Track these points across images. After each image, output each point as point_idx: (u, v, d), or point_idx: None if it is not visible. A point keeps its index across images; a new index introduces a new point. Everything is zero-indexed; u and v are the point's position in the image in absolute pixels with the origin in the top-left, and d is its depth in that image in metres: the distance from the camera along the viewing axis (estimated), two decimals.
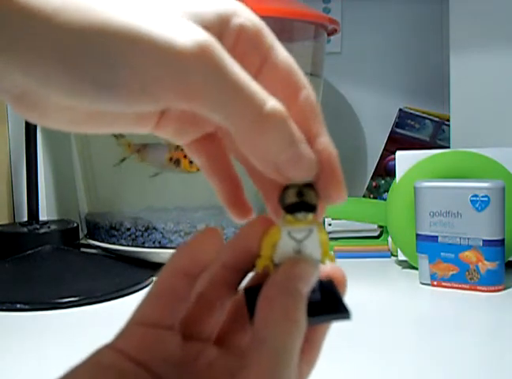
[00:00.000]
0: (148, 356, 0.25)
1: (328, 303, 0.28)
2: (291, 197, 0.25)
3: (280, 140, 0.23)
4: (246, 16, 0.24)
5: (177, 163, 0.74)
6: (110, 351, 0.25)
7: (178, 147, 0.73)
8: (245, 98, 0.22)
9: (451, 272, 0.69)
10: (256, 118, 0.22)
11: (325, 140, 0.26)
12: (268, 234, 0.26)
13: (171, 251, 0.28)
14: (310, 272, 0.25)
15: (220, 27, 0.24)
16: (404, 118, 1.07)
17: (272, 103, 0.22)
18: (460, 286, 0.68)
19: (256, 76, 0.24)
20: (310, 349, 0.30)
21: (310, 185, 0.25)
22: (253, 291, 0.26)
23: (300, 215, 0.25)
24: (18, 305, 0.64)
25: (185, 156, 0.74)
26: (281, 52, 0.25)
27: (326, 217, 0.93)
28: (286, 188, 0.25)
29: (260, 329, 0.24)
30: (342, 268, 0.28)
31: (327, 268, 0.28)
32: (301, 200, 0.25)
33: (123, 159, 0.77)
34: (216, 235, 0.27)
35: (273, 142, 0.23)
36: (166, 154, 0.74)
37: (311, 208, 0.25)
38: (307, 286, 0.25)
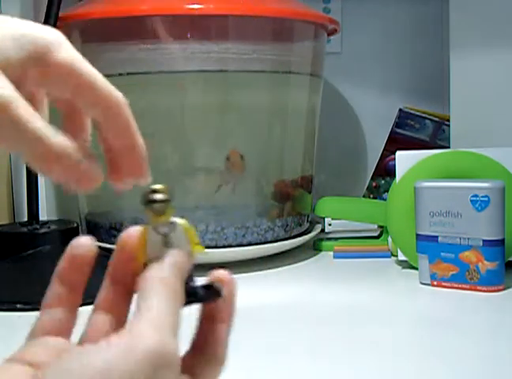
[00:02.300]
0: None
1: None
2: (146, 195, 0.30)
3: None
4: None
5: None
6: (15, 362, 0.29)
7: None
8: (33, 140, 0.28)
9: (451, 272, 0.69)
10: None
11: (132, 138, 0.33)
12: (138, 238, 0.30)
13: None
14: (184, 258, 0.29)
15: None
16: (404, 118, 1.07)
17: (54, 140, 0.29)
18: (460, 286, 0.68)
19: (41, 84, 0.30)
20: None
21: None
22: None
23: (157, 206, 0.29)
24: (18, 305, 0.64)
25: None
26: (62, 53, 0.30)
27: (326, 217, 0.93)
28: (146, 193, 0.30)
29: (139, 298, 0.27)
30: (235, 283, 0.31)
31: (218, 274, 0.31)
32: (152, 198, 0.29)
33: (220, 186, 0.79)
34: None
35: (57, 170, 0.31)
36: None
37: (164, 200, 0.29)
38: (183, 269, 0.29)
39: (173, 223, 0.30)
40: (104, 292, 0.33)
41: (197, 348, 0.30)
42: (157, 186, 0.30)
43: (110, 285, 0.33)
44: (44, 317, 0.32)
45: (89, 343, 0.26)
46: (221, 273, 0.30)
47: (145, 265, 0.29)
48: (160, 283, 0.27)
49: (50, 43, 0.29)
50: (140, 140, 0.32)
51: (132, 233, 0.31)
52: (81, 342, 0.31)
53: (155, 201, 0.29)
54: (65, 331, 0.32)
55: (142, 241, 0.30)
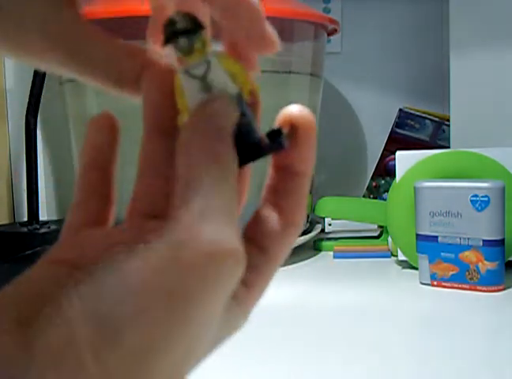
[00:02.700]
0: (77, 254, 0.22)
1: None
2: (166, 30, 0.22)
3: None
4: None
5: None
6: (44, 264, 0.22)
7: None
8: None
9: (451, 272, 0.69)
10: None
11: None
12: (174, 86, 0.23)
13: None
14: (224, 106, 0.22)
15: None
16: (404, 118, 1.07)
17: None
18: (460, 286, 0.68)
19: None
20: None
21: (186, 13, 0.23)
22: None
23: (183, 41, 0.22)
24: None
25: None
26: None
27: (326, 217, 0.93)
28: (168, 20, 0.23)
29: (182, 174, 0.21)
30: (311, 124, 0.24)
31: (293, 112, 0.24)
32: (173, 29, 0.22)
33: None
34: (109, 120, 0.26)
35: None
36: None
37: (193, 29, 0.22)
38: (226, 120, 0.22)
39: (208, 61, 0.23)
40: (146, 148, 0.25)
41: (266, 211, 0.24)
42: (178, 14, 0.22)
43: (148, 141, 0.25)
44: (76, 215, 0.27)
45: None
46: (293, 113, 0.24)
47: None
48: (199, 152, 0.21)
49: None
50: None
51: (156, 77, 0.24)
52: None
53: (177, 34, 0.22)
54: (103, 222, 0.26)
55: (178, 91, 0.23)
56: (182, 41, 0.22)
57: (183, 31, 0.22)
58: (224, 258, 0.19)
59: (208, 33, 0.24)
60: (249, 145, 0.23)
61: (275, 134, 0.23)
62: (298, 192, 0.24)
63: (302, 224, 0.25)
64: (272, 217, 0.24)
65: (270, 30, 0.25)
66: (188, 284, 0.19)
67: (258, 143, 0.23)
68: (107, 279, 0.19)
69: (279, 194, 0.25)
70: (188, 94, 0.23)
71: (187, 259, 0.19)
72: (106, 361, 0.17)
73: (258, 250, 0.24)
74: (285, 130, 0.24)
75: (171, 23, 0.22)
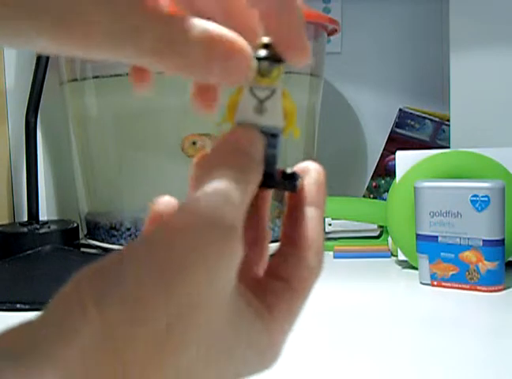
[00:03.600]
0: None
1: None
2: (259, 51, 0.25)
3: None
4: None
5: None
6: None
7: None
8: None
9: (451, 272, 0.69)
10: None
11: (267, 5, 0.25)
12: (231, 95, 0.26)
13: None
14: (255, 136, 0.25)
15: None
16: (404, 118, 1.07)
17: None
18: (460, 286, 0.68)
19: None
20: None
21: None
22: None
23: (265, 65, 0.25)
24: (18, 305, 0.64)
25: (193, 143, 0.73)
26: None
27: (326, 217, 0.93)
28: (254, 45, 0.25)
29: (205, 177, 0.23)
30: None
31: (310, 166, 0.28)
32: (267, 51, 0.25)
33: None
34: None
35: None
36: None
37: (277, 60, 0.25)
38: (257, 151, 0.24)
39: (274, 90, 0.25)
40: None
41: (284, 247, 0.27)
42: (270, 41, 0.25)
43: None
44: None
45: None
46: (307, 164, 0.27)
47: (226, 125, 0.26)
48: (233, 153, 0.23)
49: None
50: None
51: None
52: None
53: (262, 58, 0.25)
54: None
55: (234, 99, 0.26)
56: (265, 64, 0.25)
57: (271, 57, 0.25)
58: (218, 227, 0.21)
59: (283, 68, 0.26)
60: (266, 174, 0.25)
61: (292, 177, 0.27)
62: (313, 232, 0.27)
63: (321, 263, 0.27)
64: (293, 256, 0.26)
65: (307, 40, 0.26)
66: (178, 262, 0.20)
67: (274, 175, 0.26)
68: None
69: (296, 232, 0.27)
70: (241, 107, 0.25)
71: (183, 221, 0.21)
72: (105, 306, 0.19)
73: (282, 281, 0.26)
74: (300, 176, 0.27)
75: (265, 45, 0.25)
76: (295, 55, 0.25)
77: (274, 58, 0.25)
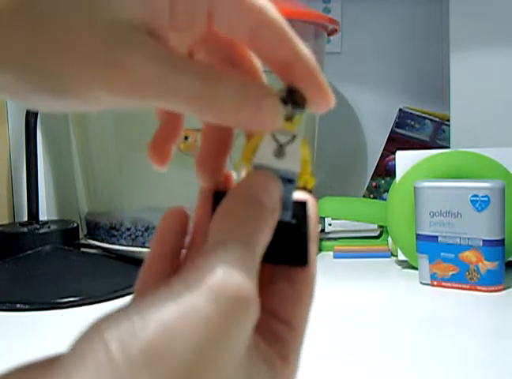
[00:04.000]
0: None
1: (292, 242, 0.26)
2: (281, 93, 0.25)
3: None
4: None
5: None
6: None
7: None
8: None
9: (451, 272, 0.69)
10: None
11: (296, 47, 0.26)
12: (252, 137, 0.26)
13: None
14: (273, 183, 0.25)
15: None
16: (404, 118, 1.07)
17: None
18: (460, 286, 0.68)
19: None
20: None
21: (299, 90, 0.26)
22: (221, 196, 0.26)
23: (288, 110, 0.25)
24: (18, 305, 0.64)
25: (185, 138, 0.73)
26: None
27: (326, 217, 0.93)
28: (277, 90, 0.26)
29: (211, 236, 0.23)
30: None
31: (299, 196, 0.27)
32: (290, 99, 0.25)
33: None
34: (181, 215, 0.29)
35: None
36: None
37: (300, 106, 0.26)
38: (270, 198, 0.24)
39: (295, 135, 0.26)
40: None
41: (280, 284, 0.26)
42: (296, 87, 0.26)
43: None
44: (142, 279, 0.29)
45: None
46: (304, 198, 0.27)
47: (244, 168, 0.26)
48: (244, 208, 0.24)
49: None
50: (305, 50, 0.26)
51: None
52: None
53: (287, 102, 0.25)
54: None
55: (254, 142, 0.26)
56: (289, 109, 0.25)
57: (295, 102, 0.25)
58: (236, 302, 0.21)
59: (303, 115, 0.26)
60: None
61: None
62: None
63: (313, 293, 0.27)
64: (286, 290, 0.26)
65: (327, 85, 0.26)
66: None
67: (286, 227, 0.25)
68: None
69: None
70: (260, 150, 0.26)
71: (203, 296, 0.20)
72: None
73: (283, 324, 0.26)
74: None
75: (290, 90, 0.25)
76: (320, 100, 0.26)
77: (298, 103, 0.26)
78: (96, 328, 0.21)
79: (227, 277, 0.21)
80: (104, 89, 0.23)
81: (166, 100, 0.24)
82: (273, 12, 0.26)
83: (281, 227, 0.25)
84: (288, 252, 0.26)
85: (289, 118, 0.25)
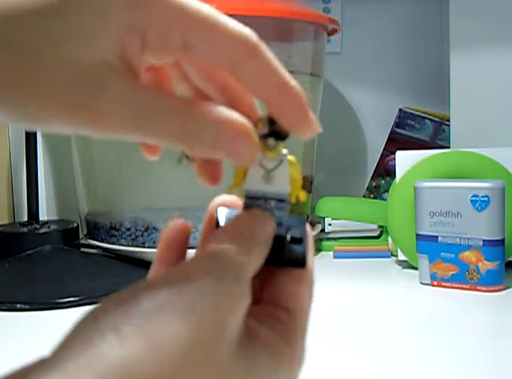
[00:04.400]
0: None
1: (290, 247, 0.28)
2: (262, 126, 0.26)
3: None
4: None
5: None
6: None
7: None
8: None
9: (451, 272, 0.69)
10: None
11: (278, 79, 0.26)
12: (237, 166, 0.27)
13: None
14: (267, 220, 0.27)
15: None
16: (404, 118, 1.07)
17: None
18: (460, 286, 0.68)
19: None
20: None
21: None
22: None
23: (271, 142, 0.26)
24: (18, 305, 0.64)
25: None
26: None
27: (326, 217, 0.93)
28: (258, 118, 0.27)
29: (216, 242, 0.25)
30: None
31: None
32: (272, 129, 0.26)
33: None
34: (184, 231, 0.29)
35: None
36: None
37: (282, 137, 0.26)
38: (264, 232, 0.26)
39: (281, 160, 0.27)
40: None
41: (280, 276, 0.28)
42: (273, 117, 0.26)
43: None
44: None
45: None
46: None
47: (235, 194, 0.28)
48: (244, 233, 0.25)
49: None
50: (292, 81, 0.26)
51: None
52: None
53: (271, 135, 0.26)
54: None
55: (242, 168, 0.27)
56: (272, 141, 0.26)
57: (276, 134, 0.26)
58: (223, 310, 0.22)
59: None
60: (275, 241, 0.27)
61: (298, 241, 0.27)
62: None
63: (312, 283, 0.28)
64: (285, 282, 0.27)
65: (312, 117, 0.27)
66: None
67: (283, 245, 0.27)
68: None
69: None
70: (249, 176, 0.27)
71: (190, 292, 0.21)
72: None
73: (283, 310, 0.27)
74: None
75: (270, 123, 0.26)
76: (303, 130, 0.26)
77: (280, 134, 0.26)
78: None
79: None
80: (72, 127, 0.24)
81: (140, 139, 0.24)
82: (255, 42, 0.25)
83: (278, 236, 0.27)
84: (287, 256, 0.27)
85: (273, 148, 0.27)
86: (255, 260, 0.25)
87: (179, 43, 0.25)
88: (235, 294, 0.22)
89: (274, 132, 0.26)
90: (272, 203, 0.28)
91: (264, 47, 0.25)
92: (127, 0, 0.24)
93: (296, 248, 0.27)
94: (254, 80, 0.25)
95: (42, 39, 0.23)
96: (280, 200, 0.28)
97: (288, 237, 0.27)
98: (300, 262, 0.27)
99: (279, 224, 0.27)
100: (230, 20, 0.25)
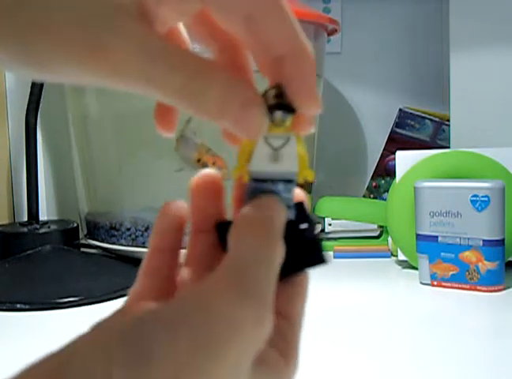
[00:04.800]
0: None
1: (304, 245, 0.26)
2: (271, 99, 0.24)
3: None
4: None
5: (203, 166, 0.74)
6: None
7: (208, 150, 0.73)
8: None
9: (451, 272, 0.69)
10: None
11: (300, 42, 0.25)
12: (244, 142, 0.26)
13: None
14: (277, 206, 0.25)
15: None
16: (404, 118, 1.07)
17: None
18: (460, 286, 0.68)
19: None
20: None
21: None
22: (224, 226, 0.26)
23: (278, 115, 0.24)
24: (18, 305, 0.64)
25: (213, 163, 0.73)
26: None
27: (326, 217, 0.93)
28: (265, 92, 0.25)
29: (231, 252, 0.23)
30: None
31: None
32: (280, 102, 0.24)
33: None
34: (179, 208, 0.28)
35: None
36: (195, 153, 0.73)
37: (290, 110, 0.25)
38: (279, 218, 0.25)
39: (288, 138, 0.25)
40: (190, 246, 0.28)
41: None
42: (281, 87, 0.25)
43: (194, 236, 0.28)
44: (141, 284, 0.29)
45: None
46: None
47: (241, 177, 0.26)
48: (257, 242, 0.23)
49: None
50: (304, 43, 0.24)
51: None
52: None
53: (279, 108, 0.24)
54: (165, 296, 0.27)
55: (248, 146, 0.25)
56: (279, 114, 0.24)
57: (284, 107, 0.24)
58: (250, 318, 0.21)
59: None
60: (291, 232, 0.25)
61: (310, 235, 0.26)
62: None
63: (307, 289, 0.27)
64: (287, 290, 0.27)
65: (316, 89, 0.26)
66: (214, 330, 0.20)
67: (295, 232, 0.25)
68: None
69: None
70: (256, 156, 0.25)
71: (217, 307, 0.20)
72: None
73: (283, 318, 0.26)
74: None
75: (277, 96, 0.24)
76: (309, 105, 0.25)
77: (288, 108, 0.25)
78: None
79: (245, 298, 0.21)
80: (82, 70, 0.23)
81: (147, 90, 0.23)
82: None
83: (290, 238, 0.25)
84: (306, 257, 0.26)
85: (281, 123, 0.25)
86: (279, 258, 0.24)
87: None
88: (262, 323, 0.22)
89: (282, 104, 0.24)
90: (280, 185, 0.26)
91: (284, 7, 0.24)
92: None
93: (313, 245, 0.26)
94: (269, 37, 0.24)
95: None
96: (288, 181, 0.26)
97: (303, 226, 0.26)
98: (322, 259, 0.26)
99: (288, 207, 0.26)
100: None
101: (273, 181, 0.26)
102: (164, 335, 0.20)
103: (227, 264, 0.22)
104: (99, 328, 0.22)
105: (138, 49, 0.23)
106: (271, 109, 0.24)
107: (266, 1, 0.24)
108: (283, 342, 0.25)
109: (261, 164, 0.25)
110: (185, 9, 0.25)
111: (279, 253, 0.24)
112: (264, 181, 0.26)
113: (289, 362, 0.25)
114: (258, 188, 0.26)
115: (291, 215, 0.26)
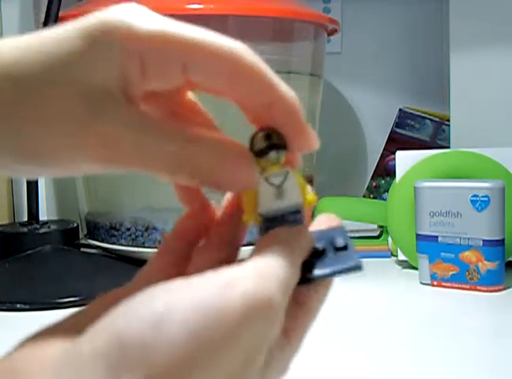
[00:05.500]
0: None
1: (334, 253, 0.28)
2: (260, 142, 0.26)
3: None
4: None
5: None
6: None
7: None
8: None
9: (451, 272, 0.69)
10: None
11: (282, 89, 0.27)
12: (245, 192, 0.27)
13: None
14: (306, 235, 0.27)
15: None
16: (404, 118, 1.07)
17: None
18: (460, 286, 0.68)
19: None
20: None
21: (275, 130, 0.26)
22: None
23: (272, 155, 0.26)
24: (18, 305, 0.64)
25: None
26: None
27: None
28: (253, 136, 0.26)
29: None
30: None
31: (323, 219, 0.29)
32: (271, 143, 0.26)
33: None
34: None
35: None
36: None
37: (282, 147, 0.26)
38: (304, 242, 0.26)
39: (286, 172, 0.26)
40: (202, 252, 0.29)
41: None
42: (270, 129, 0.26)
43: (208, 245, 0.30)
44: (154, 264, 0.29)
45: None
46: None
47: (254, 221, 0.27)
48: (278, 242, 0.25)
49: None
50: (288, 93, 0.27)
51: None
52: None
53: (271, 148, 0.26)
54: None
55: (251, 191, 0.26)
56: (274, 154, 0.26)
57: (276, 146, 0.26)
58: (259, 315, 0.22)
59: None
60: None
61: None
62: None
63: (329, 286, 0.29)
64: None
65: (309, 127, 0.27)
66: (223, 324, 0.21)
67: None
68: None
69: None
70: (262, 198, 0.26)
71: (234, 295, 0.21)
72: None
73: (299, 304, 0.28)
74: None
75: (266, 137, 0.26)
76: (310, 144, 0.27)
77: (280, 146, 0.26)
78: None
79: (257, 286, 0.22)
80: (86, 160, 0.25)
81: (145, 166, 0.25)
82: (251, 56, 0.26)
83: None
84: (340, 263, 0.27)
85: (276, 161, 0.26)
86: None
87: (179, 66, 0.25)
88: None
89: (274, 144, 0.26)
90: (290, 217, 0.27)
91: (261, 62, 0.26)
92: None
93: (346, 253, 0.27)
94: (253, 92, 0.26)
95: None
96: (296, 212, 0.27)
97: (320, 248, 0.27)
98: (358, 267, 0.27)
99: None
100: (224, 38, 0.26)
101: (283, 215, 0.27)
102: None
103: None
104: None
105: (133, 128, 0.24)
106: (264, 150, 0.26)
107: (245, 65, 0.25)
108: (290, 319, 0.27)
109: (269, 204, 0.26)
110: (168, 80, 0.26)
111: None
112: (274, 218, 0.27)
113: (290, 336, 0.27)
114: (271, 227, 0.27)
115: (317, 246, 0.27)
